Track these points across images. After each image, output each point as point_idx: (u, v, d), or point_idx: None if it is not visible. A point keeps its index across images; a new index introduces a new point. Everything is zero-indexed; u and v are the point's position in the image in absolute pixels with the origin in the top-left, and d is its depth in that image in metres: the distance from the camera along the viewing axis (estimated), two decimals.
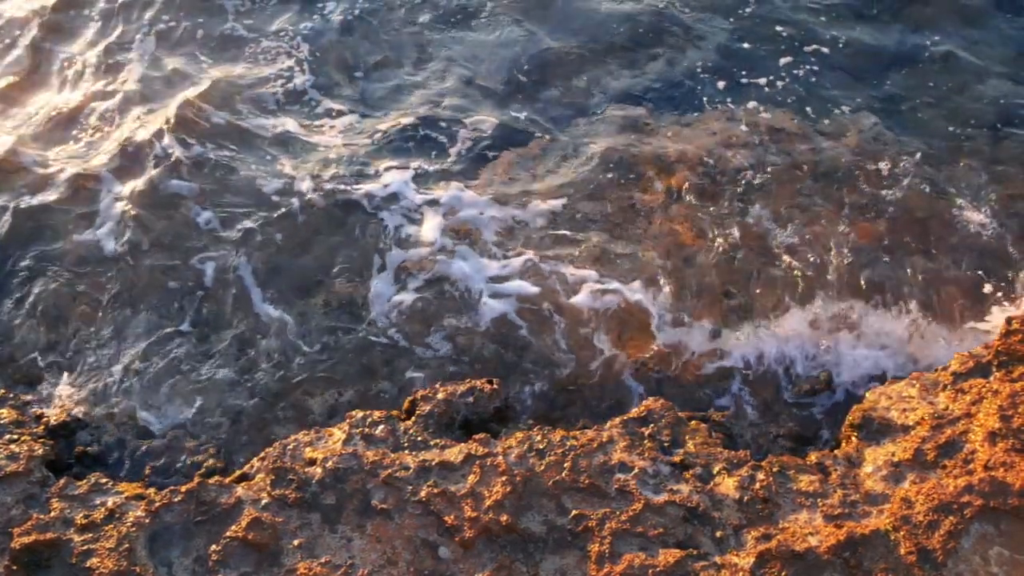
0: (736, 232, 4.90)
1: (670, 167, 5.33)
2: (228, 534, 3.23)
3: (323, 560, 3.17)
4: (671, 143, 5.49)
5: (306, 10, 6.71)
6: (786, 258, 4.75)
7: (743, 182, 5.20)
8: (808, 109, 5.71)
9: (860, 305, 4.51)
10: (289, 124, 5.78)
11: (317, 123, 5.81)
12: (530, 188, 5.28)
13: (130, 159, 5.47)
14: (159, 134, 5.59)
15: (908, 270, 4.65)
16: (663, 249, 4.85)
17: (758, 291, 4.62)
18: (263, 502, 3.35)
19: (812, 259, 4.71)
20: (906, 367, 4.21)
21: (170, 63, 6.27)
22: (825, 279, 4.64)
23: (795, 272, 4.67)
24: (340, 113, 5.87)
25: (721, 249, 4.84)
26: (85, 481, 3.49)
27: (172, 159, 5.43)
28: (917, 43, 6.18)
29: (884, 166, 5.22)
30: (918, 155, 5.25)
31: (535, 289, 4.63)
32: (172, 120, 5.64)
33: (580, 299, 4.61)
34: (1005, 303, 4.48)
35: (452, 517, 3.28)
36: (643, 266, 4.75)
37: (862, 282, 4.61)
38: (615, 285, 4.64)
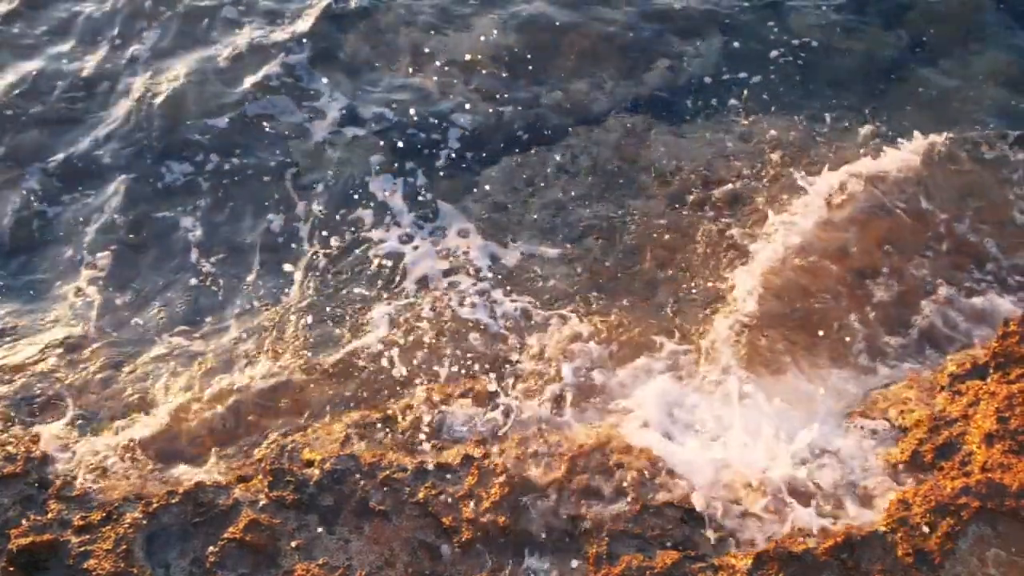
0: (732, 238, 4.92)
1: (668, 176, 5.35)
2: (226, 535, 3.23)
3: (321, 562, 3.17)
4: (668, 152, 5.51)
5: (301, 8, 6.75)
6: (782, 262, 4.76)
7: (740, 189, 5.22)
8: (805, 116, 5.73)
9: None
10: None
11: (307, 125, 5.83)
12: (526, 198, 5.29)
13: None
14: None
15: (909, 272, 4.66)
16: (660, 260, 4.86)
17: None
18: (261, 503, 3.35)
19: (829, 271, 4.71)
20: None
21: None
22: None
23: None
24: (331, 115, 5.89)
25: (717, 255, 4.85)
26: (83, 482, 3.48)
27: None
28: (912, 49, 6.21)
29: (881, 171, 5.23)
30: (915, 160, 5.26)
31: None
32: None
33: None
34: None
35: (450, 518, 3.28)
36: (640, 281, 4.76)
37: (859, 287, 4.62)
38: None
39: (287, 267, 4.93)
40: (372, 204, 5.28)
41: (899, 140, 5.36)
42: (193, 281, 4.86)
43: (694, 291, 4.68)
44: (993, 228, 4.86)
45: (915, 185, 5.07)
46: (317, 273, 4.88)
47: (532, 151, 5.63)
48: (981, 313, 4.39)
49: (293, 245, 5.07)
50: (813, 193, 5.01)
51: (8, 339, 4.52)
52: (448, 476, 3.43)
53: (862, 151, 5.34)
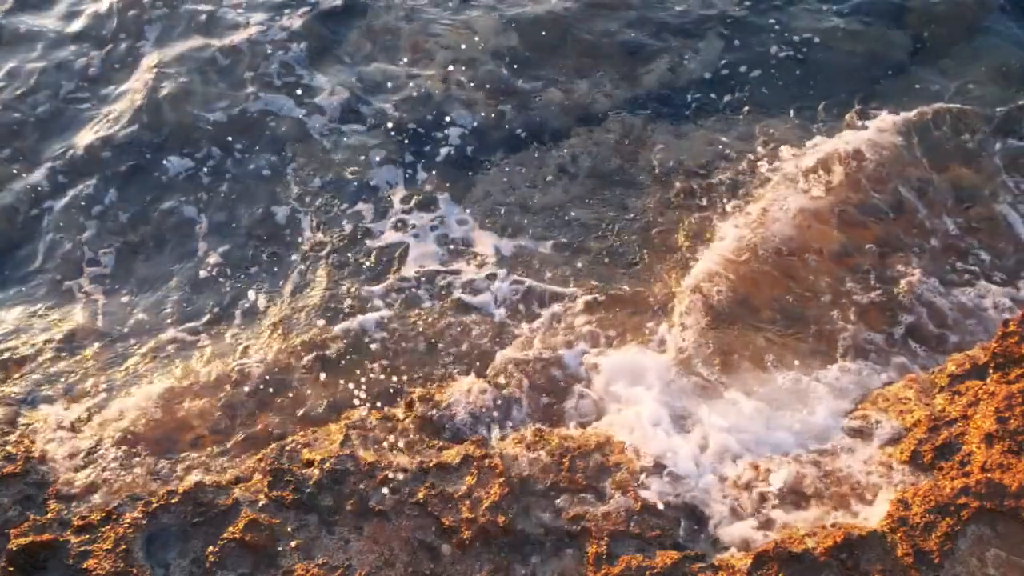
0: (731, 238, 4.92)
1: (666, 174, 5.35)
2: (225, 535, 3.23)
3: (320, 561, 3.17)
4: (667, 150, 5.51)
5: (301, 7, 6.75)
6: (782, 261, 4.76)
7: (736, 186, 5.22)
8: (805, 114, 5.73)
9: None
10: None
11: (310, 127, 5.84)
12: (526, 196, 5.29)
13: None
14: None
15: (900, 270, 4.66)
16: (659, 258, 4.86)
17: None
18: (260, 503, 3.34)
19: (808, 262, 4.72)
20: None
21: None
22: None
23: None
24: (331, 111, 5.89)
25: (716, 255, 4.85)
26: (82, 482, 3.48)
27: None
28: (912, 48, 6.22)
29: (881, 171, 5.24)
30: (914, 160, 5.27)
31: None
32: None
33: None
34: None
35: (449, 518, 3.28)
36: (640, 280, 4.76)
37: (856, 284, 4.62)
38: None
39: (288, 262, 4.94)
40: (372, 199, 5.30)
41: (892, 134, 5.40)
42: (194, 276, 4.87)
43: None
44: (980, 221, 4.91)
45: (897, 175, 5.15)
46: (318, 268, 4.89)
47: (532, 150, 5.63)
48: (967, 306, 4.46)
49: (294, 240, 5.08)
50: (794, 179, 5.14)
51: (9, 335, 4.51)
52: (448, 476, 3.43)
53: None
